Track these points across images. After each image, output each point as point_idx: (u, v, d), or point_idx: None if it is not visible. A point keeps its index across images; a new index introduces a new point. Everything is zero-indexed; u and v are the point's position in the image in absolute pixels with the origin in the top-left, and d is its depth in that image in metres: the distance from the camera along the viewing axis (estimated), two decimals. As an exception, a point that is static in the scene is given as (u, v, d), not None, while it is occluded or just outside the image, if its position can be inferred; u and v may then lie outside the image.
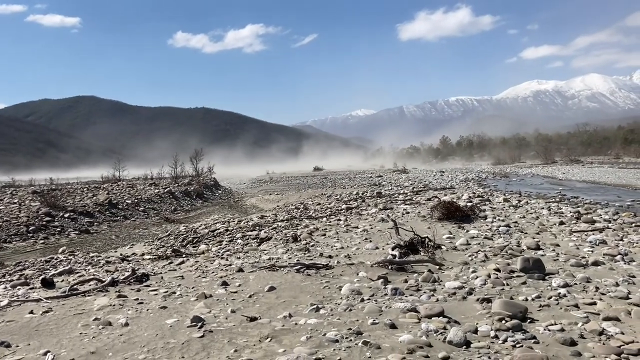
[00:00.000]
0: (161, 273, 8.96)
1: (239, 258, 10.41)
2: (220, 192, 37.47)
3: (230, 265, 9.42)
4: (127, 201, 25.65)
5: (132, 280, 8.11)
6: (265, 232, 14.50)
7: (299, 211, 19.72)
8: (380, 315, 5.73)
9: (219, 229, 16.41)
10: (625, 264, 8.16)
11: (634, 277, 7.26)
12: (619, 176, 33.37)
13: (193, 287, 7.56)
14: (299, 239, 12.39)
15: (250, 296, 6.83)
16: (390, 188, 29.75)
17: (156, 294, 7.21)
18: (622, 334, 4.99)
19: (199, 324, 5.55)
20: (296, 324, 5.53)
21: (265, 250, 11.54)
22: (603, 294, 6.40)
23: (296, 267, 8.32)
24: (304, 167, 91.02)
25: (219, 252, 11.73)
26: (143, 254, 12.51)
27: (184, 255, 11.54)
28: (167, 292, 7.29)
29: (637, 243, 9.91)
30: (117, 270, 9.63)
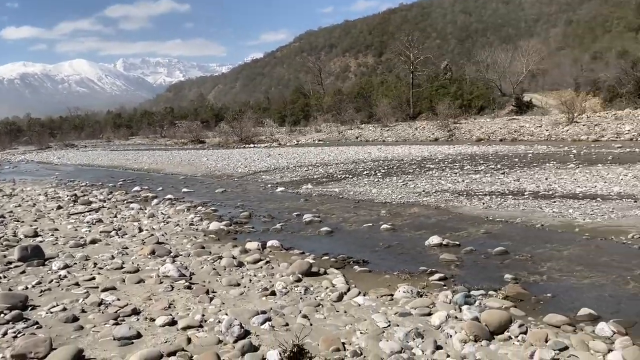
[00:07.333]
0: None
1: None
2: None
3: None
4: None
5: None
6: None
7: None
8: None
9: None
10: (119, 237, 8.98)
11: (127, 248, 8.10)
12: (111, 158, 35.44)
13: None
14: None
15: None
16: None
17: None
18: (119, 300, 5.57)
19: None
20: None
21: None
22: (101, 268, 6.92)
23: None
24: None
25: None
26: None
27: None
28: None
29: (128, 218, 10.98)
30: None
